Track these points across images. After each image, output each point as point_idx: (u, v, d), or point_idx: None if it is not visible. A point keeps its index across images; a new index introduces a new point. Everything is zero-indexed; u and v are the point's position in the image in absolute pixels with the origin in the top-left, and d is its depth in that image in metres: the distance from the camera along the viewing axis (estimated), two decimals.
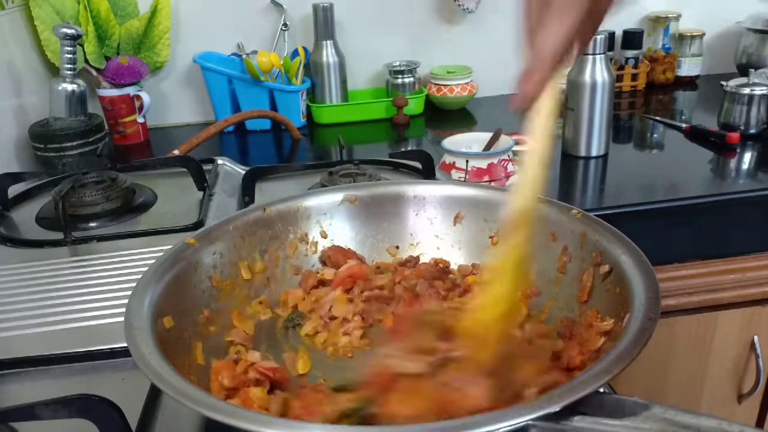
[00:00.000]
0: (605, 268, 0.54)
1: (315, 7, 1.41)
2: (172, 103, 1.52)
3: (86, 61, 1.34)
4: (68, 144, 1.16)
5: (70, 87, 1.18)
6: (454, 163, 1.03)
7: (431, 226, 0.69)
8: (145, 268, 0.54)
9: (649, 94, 1.58)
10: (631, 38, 1.57)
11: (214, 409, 0.38)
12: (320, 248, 0.68)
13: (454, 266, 0.68)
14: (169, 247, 0.58)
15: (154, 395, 0.55)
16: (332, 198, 0.69)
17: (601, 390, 0.38)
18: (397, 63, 1.50)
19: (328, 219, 0.68)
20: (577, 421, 0.36)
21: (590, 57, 1.12)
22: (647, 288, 0.47)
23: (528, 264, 0.48)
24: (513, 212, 0.46)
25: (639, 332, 0.42)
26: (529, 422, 0.36)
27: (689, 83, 1.63)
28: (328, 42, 1.43)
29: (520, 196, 0.46)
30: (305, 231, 0.68)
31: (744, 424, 0.33)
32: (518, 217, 0.46)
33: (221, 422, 0.37)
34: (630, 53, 1.57)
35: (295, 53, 1.45)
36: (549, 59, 0.43)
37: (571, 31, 0.42)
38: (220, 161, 1.12)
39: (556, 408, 0.36)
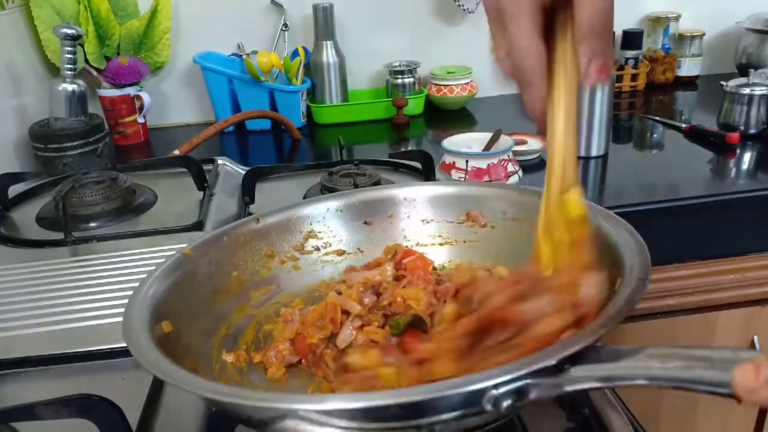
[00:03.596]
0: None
1: (315, 7, 1.41)
2: (172, 103, 1.52)
3: (86, 61, 1.34)
4: (68, 144, 1.16)
5: (70, 87, 1.18)
6: (454, 163, 1.03)
7: (424, 226, 0.70)
8: (145, 269, 0.54)
9: (648, 94, 1.58)
10: (631, 38, 1.57)
11: (221, 393, 0.38)
12: (315, 256, 0.68)
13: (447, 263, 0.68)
14: (167, 247, 0.58)
15: (155, 395, 0.55)
16: (325, 206, 0.69)
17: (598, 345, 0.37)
18: (397, 63, 1.50)
19: (323, 227, 0.69)
20: (575, 371, 0.36)
21: None
22: (637, 253, 0.47)
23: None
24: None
25: (631, 292, 0.42)
26: (529, 381, 0.35)
27: (689, 83, 1.63)
28: (328, 42, 1.43)
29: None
30: (299, 240, 0.68)
31: (737, 349, 0.33)
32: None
33: (227, 405, 0.37)
34: (630, 53, 1.57)
35: (295, 53, 1.45)
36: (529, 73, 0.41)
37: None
38: (220, 161, 1.12)
39: (552, 361, 0.35)
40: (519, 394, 0.35)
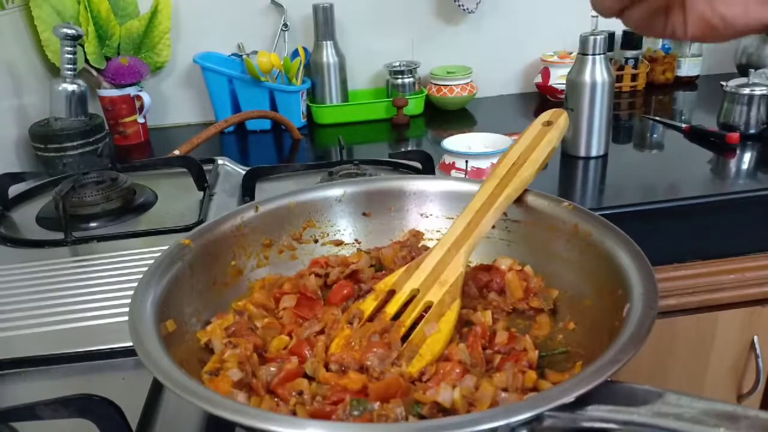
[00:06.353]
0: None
1: (315, 7, 1.41)
2: (172, 103, 1.52)
3: (86, 61, 1.34)
4: (68, 144, 1.16)
5: (70, 87, 1.18)
6: (453, 163, 1.03)
7: (423, 221, 0.69)
8: (145, 269, 0.54)
9: (648, 94, 1.58)
10: (631, 38, 1.57)
11: (238, 412, 0.38)
12: (312, 246, 0.68)
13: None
14: (166, 248, 0.57)
15: (155, 395, 0.55)
16: (325, 195, 0.69)
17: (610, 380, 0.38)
18: (397, 63, 1.50)
19: (322, 216, 0.68)
20: (592, 410, 0.37)
21: (590, 57, 1.12)
22: (644, 279, 0.47)
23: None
24: None
25: (641, 322, 0.42)
26: (545, 413, 0.36)
27: (689, 83, 1.63)
28: (328, 42, 1.43)
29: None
30: (298, 229, 0.68)
31: (760, 410, 0.33)
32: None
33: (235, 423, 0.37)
34: (630, 53, 1.57)
35: (295, 53, 1.45)
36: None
37: None
38: (220, 161, 1.12)
39: (571, 398, 0.36)
40: (533, 422, 0.36)
